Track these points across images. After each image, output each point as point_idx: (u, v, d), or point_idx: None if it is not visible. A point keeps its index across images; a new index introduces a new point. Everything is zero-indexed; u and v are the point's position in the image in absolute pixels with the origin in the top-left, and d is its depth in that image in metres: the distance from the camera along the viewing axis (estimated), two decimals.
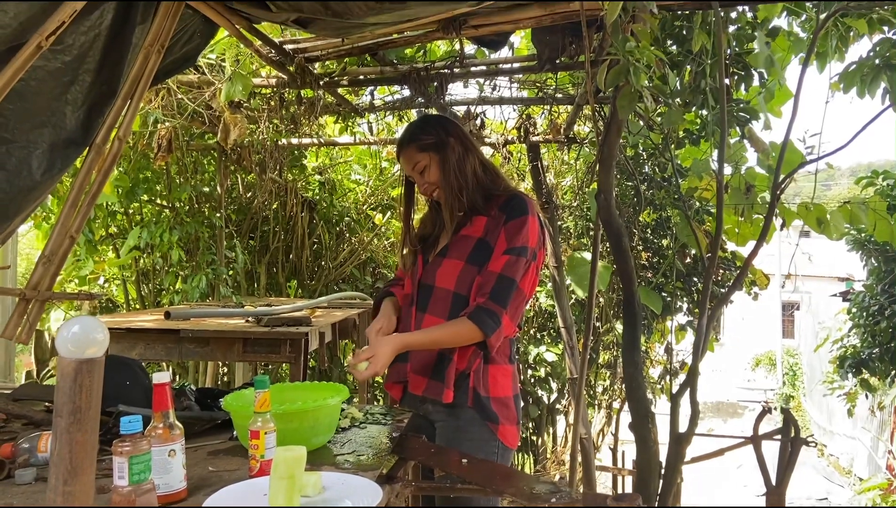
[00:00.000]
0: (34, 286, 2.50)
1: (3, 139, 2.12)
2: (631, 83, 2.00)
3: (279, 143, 4.71)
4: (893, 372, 7.18)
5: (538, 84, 4.17)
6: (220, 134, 3.87)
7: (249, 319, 3.42)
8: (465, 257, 2.00)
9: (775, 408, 19.49)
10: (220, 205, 4.96)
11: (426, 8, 2.66)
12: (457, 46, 4.10)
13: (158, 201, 5.46)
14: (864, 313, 7.14)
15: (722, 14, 3.73)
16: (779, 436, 2.68)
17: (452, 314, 1.98)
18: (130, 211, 5.27)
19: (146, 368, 4.73)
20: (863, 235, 6.78)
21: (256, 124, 4.20)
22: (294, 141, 4.84)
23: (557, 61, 3.27)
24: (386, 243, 6.34)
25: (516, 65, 3.66)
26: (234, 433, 1.71)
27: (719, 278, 6.34)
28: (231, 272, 4.80)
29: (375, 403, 5.92)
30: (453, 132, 2.07)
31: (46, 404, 1.93)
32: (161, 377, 1.33)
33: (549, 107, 4.51)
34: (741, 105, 4.75)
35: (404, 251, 2.27)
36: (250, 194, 5.58)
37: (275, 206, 5.72)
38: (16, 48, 2.06)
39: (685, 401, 3.21)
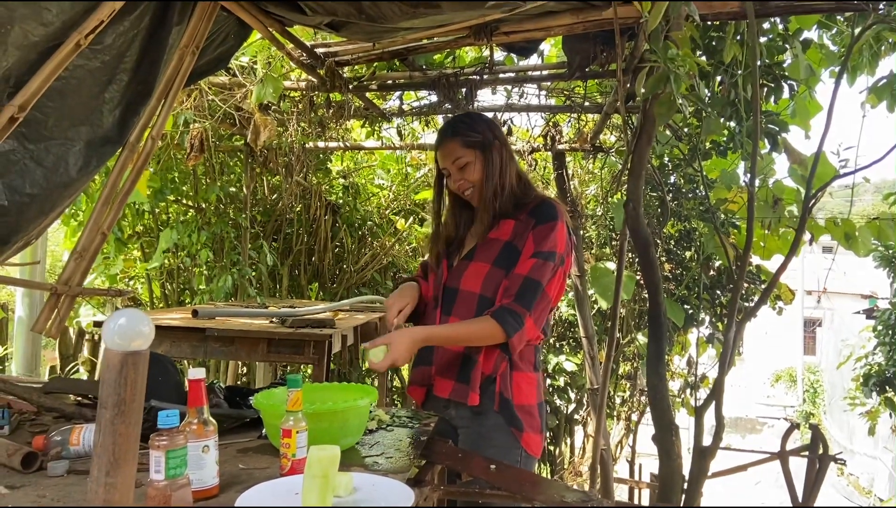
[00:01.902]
0: (65, 281, 2.53)
1: (42, 136, 2.15)
2: (670, 91, 1.98)
3: (306, 146, 4.74)
4: None
5: (566, 92, 4.16)
6: (251, 135, 3.91)
7: (273, 320, 3.44)
8: (491, 261, 1.99)
9: (796, 425, 19.22)
10: (245, 206, 5.00)
11: (459, 14, 2.66)
12: (486, 53, 4.13)
13: (185, 201, 5.51)
14: (890, 331, 7.03)
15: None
16: (806, 453, 2.64)
17: (478, 316, 1.97)
18: (157, 211, 5.33)
19: None
20: (890, 251, 6.68)
21: (285, 127, 4.23)
22: (321, 144, 4.86)
23: (588, 69, 3.26)
24: (407, 247, 6.35)
25: (545, 72, 3.66)
26: (263, 431, 1.71)
27: (744, 292, 6.28)
28: (255, 273, 4.84)
29: (393, 406, 5.92)
30: (499, 135, 2.07)
31: (77, 397, 1.95)
32: (197, 373, 1.34)
33: (576, 115, 4.49)
34: (771, 117, 4.71)
35: (430, 250, 2.25)
36: (275, 195, 5.62)
37: (298, 208, 5.76)
38: (57, 47, 2.10)
39: (709, 415, 3.18)
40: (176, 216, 5.31)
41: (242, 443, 1.69)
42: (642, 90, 2.15)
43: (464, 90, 3.70)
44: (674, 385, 7.70)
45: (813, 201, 3.26)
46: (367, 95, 3.90)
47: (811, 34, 4.32)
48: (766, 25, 4.06)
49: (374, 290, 6.04)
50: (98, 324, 3.47)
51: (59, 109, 2.17)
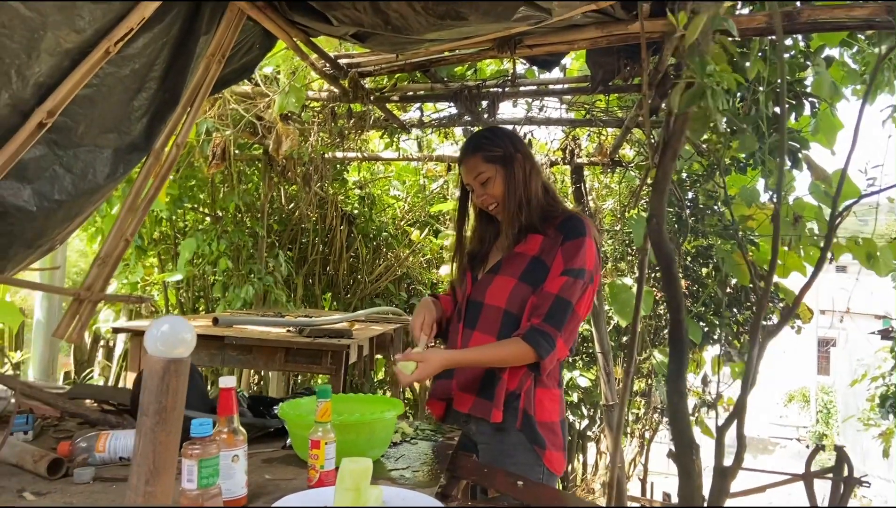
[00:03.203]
0: (88, 287, 2.54)
1: (73, 143, 2.16)
2: (706, 107, 1.97)
3: (325, 156, 4.75)
4: None
5: (586, 106, 4.15)
6: (272, 145, 3.92)
7: (290, 329, 3.43)
8: (518, 275, 1.97)
9: (808, 446, 18.95)
10: (262, 215, 5.02)
11: (485, 26, 2.66)
12: (507, 65, 4.13)
13: (202, 209, 5.53)
14: None
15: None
16: (831, 475, 2.59)
17: (502, 332, 1.95)
18: (174, 218, 5.35)
19: None
20: None
21: (305, 137, 4.24)
22: (339, 155, 4.88)
23: (611, 83, 3.25)
24: (422, 259, 6.34)
25: (567, 85, 3.65)
26: (288, 441, 1.70)
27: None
28: (272, 282, 4.84)
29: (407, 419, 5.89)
30: (521, 148, 2.06)
31: (100, 403, 1.94)
32: (227, 381, 1.33)
33: (595, 129, 4.48)
34: (792, 134, 4.68)
35: (455, 265, 2.25)
36: (292, 205, 5.63)
37: (314, 218, 5.76)
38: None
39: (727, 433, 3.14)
40: (193, 224, 5.33)
41: (267, 453, 1.67)
42: (675, 105, 2.13)
43: (484, 103, 3.69)
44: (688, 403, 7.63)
45: (839, 218, 3.23)
46: (388, 105, 3.91)
47: (832, 52, 4.30)
48: (787, 42, 4.05)
49: (388, 301, 6.03)
50: (117, 330, 3.47)
51: (89, 116, 2.18)
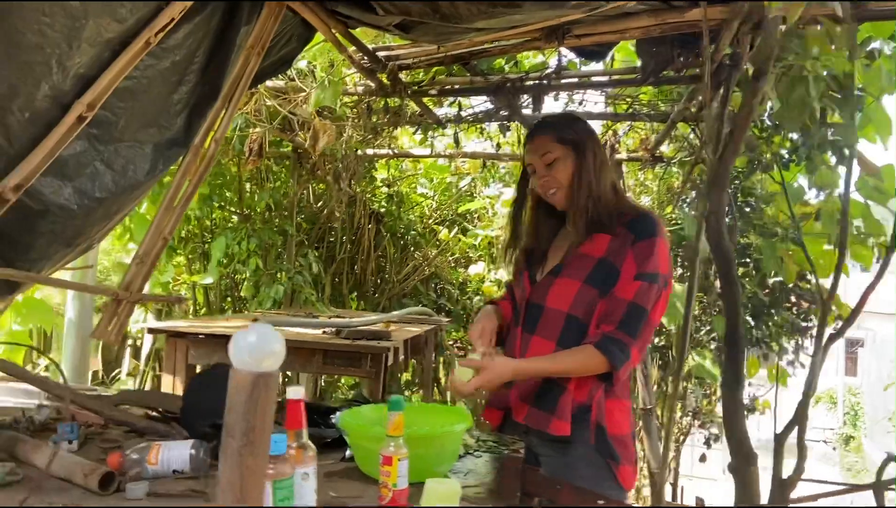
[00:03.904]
0: (126, 286, 2.45)
1: (113, 138, 2.08)
2: (805, 94, 1.84)
3: (358, 153, 4.65)
4: None
5: (628, 99, 4.02)
6: (309, 141, 3.82)
7: (327, 330, 3.33)
8: (583, 278, 1.83)
9: (834, 448, 18.59)
10: (291, 213, 4.93)
11: (537, 13, 2.54)
12: (544, 58, 4.01)
13: (230, 207, 5.46)
14: None
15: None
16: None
17: (564, 337, 1.82)
18: (200, 216, 5.28)
19: None
20: None
21: (340, 133, 4.14)
22: (370, 151, 4.78)
23: (662, 74, 3.12)
24: (450, 258, 6.23)
25: (614, 77, 3.52)
26: (348, 453, 1.59)
27: (803, 311, 6.05)
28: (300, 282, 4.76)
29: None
30: (596, 140, 1.92)
31: (147, 411, 1.85)
32: (296, 392, 1.22)
33: (635, 123, 4.35)
34: (838, 129, 4.51)
35: (509, 260, 2.11)
36: (320, 203, 5.55)
37: (342, 216, 5.67)
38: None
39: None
40: (222, 223, 5.26)
41: (326, 466, 1.56)
42: (771, 95, 2.00)
43: (524, 96, 3.58)
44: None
45: None
46: (424, 100, 3.80)
47: (876, 44, 4.14)
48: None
49: (417, 301, 5.92)
50: (153, 331, 3.39)
51: (129, 110, 2.09)
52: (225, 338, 3.08)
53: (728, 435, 3.06)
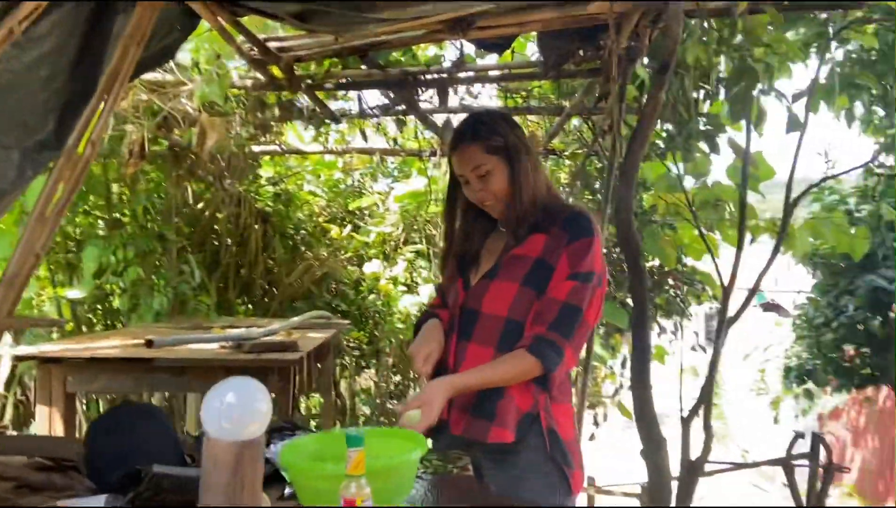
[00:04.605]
0: None
1: None
2: (752, 85, 1.85)
3: (246, 150, 4.36)
4: (835, 382, 7.42)
5: (523, 92, 4.01)
6: (196, 139, 3.51)
7: (225, 345, 3.08)
8: (519, 280, 1.75)
9: (801, 435, 19.92)
10: (169, 217, 4.56)
11: (444, 4, 2.45)
12: (437, 51, 3.92)
13: (95, 212, 4.98)
14: (809, 326, 7.33)
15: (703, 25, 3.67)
16: (806, 460, 2.60)
17: (503, 343, 1.74)
18: (63, 223, 4.77)
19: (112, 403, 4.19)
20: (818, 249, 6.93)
21: (227, 130, 3.84)
22: (259, 149, 4.50)
23: (562, 68, 3.12)
24: (343, 257, 6.03)
25: (515, 71, 3.48)
26: (287, 490, 1.43)
27: (681, 294, 6.37)
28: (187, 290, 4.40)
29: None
30: (523, 138, 1.83)
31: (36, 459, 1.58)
32: None
33: (531, 117, 4.36)
34: (709, 119, 4.75)
35: (442, 268, 2.01)
36: (200, 205, 5.17)
37: (225, 218, 5.33)
38: None
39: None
40: (88, 230, 4.78)
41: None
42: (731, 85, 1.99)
43: (423, 90, 3.48)
44: (607, 388, 7.76)
45: (794, 200, 3.25)
46: (318, 94, 3.60)
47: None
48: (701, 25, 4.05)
49: (311, 303, 5.68)
50: (21, 358, 3.00)
51: None
52: (110, 361, 2.78)
53: (638, 422, 3.13)
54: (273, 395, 2.90)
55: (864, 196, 6.48)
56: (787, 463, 2.56)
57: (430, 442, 1.44)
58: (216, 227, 5.32)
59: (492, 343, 1.75)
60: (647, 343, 3.05)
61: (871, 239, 5.21)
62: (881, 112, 6.34)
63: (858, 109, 5.73)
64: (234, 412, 0.65)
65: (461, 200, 1.91)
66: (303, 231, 5.76)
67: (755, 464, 2.94)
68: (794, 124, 3.01)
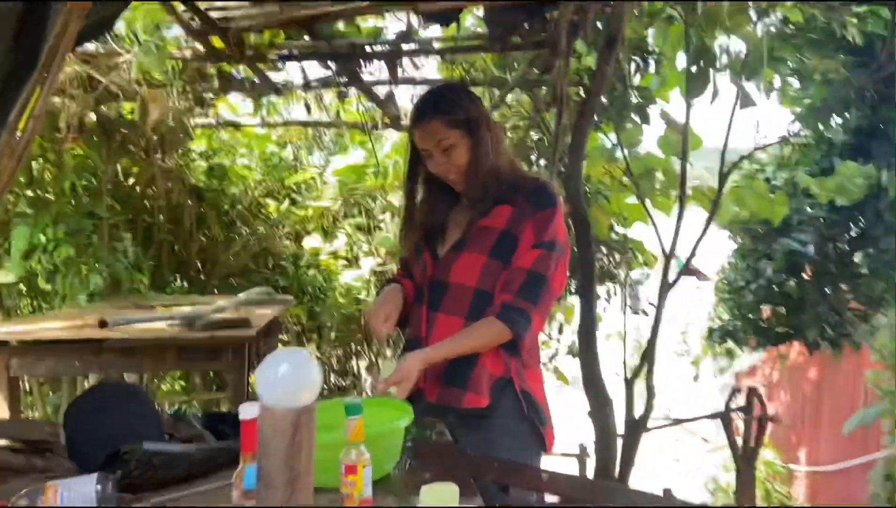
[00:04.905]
0: None
1: None
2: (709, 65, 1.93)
3: (184, 124, 4.22)
4: (754, 341, 7.86)
5: (465, 65, 4.04)
6: (138, 113, 3.38)
7: (173, 323, 3.03)
8: (487, 251, 1.81)
9: (738, 389, 20.75)
10: (101, 194, 4.39)
11: None
12: (375, 23, 3.89)
13: (16, 189, 4.74)
14: (731, 289, 7.72)
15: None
16: (743, 414, 2.78)
17: (473, 312, 1.80)
18: None
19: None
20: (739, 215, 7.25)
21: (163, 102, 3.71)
22: (197, 122, 4.36)
23: (509, 41, 3.16)
24: (282, 232, 5.96)
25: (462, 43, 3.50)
26: None
27: (614, 260, 6.58)
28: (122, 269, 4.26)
29: None
30: (485, 111, 1.88)
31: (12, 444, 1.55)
32: (249, 410, 1.07)
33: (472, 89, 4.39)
34: (640, 91, 4.91)
35: (405, 240, 2.04)
36: (132, 180, 4.99)
37: (156, 193, 5.15)
38: None
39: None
40: (13, 210, 4.55)
41: None
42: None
43: (367, 62, 3.46)
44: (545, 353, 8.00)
45: (728, 169, 3.42)
46: (260, 66, 3.53)
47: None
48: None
49: (249, 280, 5.60)
50: None
51: None
52: (56, 344, 2.70)
53: (586, 385, 3.27)
54: (230, 373, 2.89)
55: (781, 165, 6.84)
56: (725, 416, 2.74)
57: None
58: (147, 203, 5.16)
59: (462, 314, 1.81)
60: (594, 310, 3.18)
61: (788, 205, 5.51)
62: (796, 84, 6.71)
63: (777, 81, 6.01)
64: (289, 381, 0.68)
65: (423, 174, 1.94)
66: (238, 207, 5.65)
67: (695, 419, 3.12)
68: (746, 101, 3.16)
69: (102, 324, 2.62)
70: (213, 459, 1.43)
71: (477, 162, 1.80)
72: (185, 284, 5.53)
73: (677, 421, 3.21)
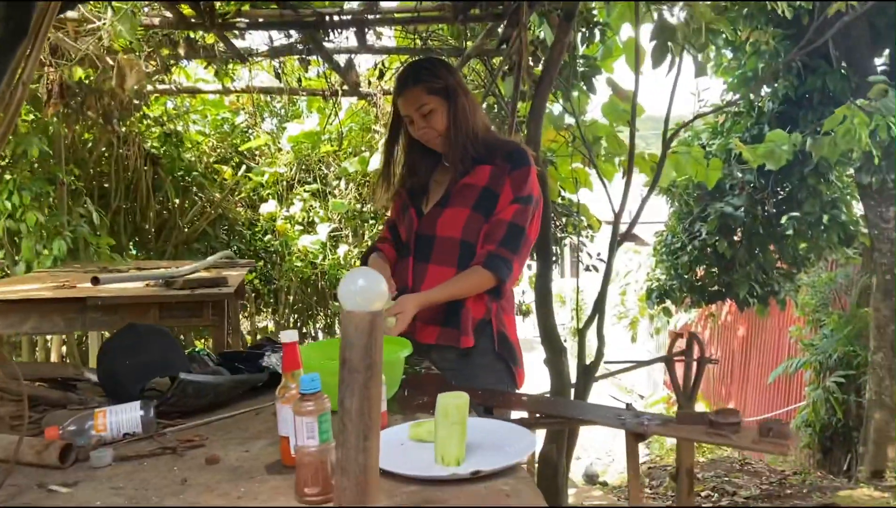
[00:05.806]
0: None
1: None
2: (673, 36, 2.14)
3: (147, 89, 4.25)
4: (689, 300, 8.34)
5: (422, 35, 4.19)
6: (115, 80, 3.41)
7: (150, 283, 3.15)
8: (470, 206, 2.02)
9: (679, 334, 21.42)
10: (62, 159, 4.40)
11: None
12: None
13: None
14: (668, 250, 8.15)
15: None
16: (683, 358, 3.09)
17: (461, 262, 2.00)
18: None
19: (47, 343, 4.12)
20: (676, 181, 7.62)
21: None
22: (158, 88, 4.39)
23: (470, 12, 3.34)
24: (237, 198, 6.03)
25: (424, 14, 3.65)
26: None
27: (559, 225, 6.88)
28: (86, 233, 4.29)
29: None
30: (461, 81, 2.07)
31: (41, 382, 1.69)
32: (289, 336, 1.26)
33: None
34: (586, 61, 5.16)
35: (387, 199, 2.23)
36: (89, 145, 4.99)
37: (111, 158, 5.16)
38: None
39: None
40: None
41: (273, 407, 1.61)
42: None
43: (335, 31, 3.58)
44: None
45: (672, 135, 3.70)
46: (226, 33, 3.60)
47: None
48: None
49: (207, 245, 5.68)
50: None
51: None
52: (40, 302, 2.80)
53: (542, 332, 3.54)
54: (211, 327, 3.04)
55: (715, 132, 7.24)
56: (668, 360, 3.04)
57: None
58: (102, 169, 5.17)
59: (451, 263, 2.02)
60: (550, 268, 3.44)
61: (721, 170, 5.88)
62: (730, 55, 7.08)
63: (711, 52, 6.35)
64: (365, 291, 0.87)
65: (405, 139, 2.14)
66: (195, 173, 5.69)
67: (641, 363, 3.43)
68: (701, 70, 3.44)
69: (95, 281, 2.73)
70: (234, 389, 1.62)
71: (455, 126, 2.00)
72: (145, 250, 5.57)
73: (628, 368, 3.53)
